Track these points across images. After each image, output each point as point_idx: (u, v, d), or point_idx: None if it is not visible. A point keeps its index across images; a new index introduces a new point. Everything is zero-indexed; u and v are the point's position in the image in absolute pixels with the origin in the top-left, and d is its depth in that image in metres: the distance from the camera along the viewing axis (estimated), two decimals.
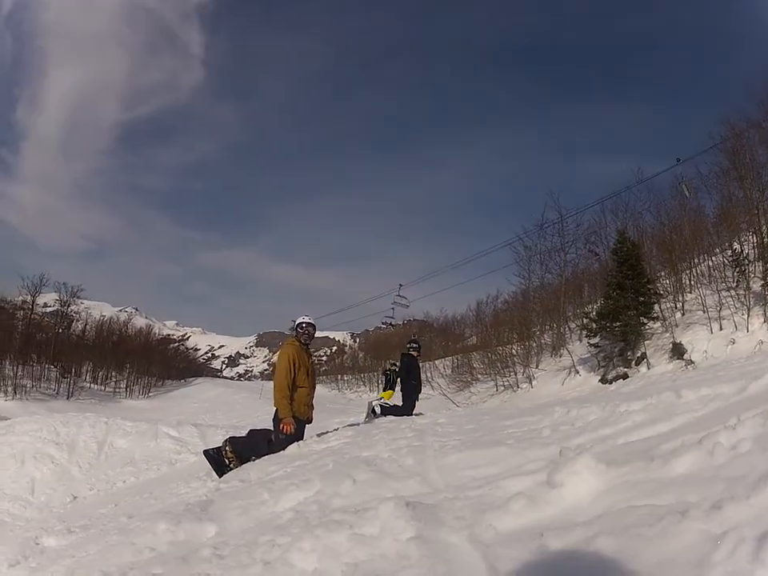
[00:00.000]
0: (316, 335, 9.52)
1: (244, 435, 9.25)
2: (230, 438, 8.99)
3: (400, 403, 14.11)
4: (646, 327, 22.43)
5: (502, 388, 29.29)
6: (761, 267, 21.68)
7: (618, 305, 22.06)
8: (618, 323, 22.31)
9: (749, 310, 20.40)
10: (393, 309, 27.97)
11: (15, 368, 46.92)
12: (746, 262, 22.00)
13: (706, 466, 3.01)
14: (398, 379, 20.65)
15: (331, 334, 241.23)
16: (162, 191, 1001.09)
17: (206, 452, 8.92)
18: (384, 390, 20.35)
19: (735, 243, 24.37)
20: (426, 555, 2.62)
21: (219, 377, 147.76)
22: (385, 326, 30.81)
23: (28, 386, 46.90)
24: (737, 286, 21.68)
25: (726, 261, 23.50)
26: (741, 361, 14.44)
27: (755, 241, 24.25)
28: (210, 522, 4.29)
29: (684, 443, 3.54)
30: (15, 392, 44.76)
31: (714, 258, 25.34)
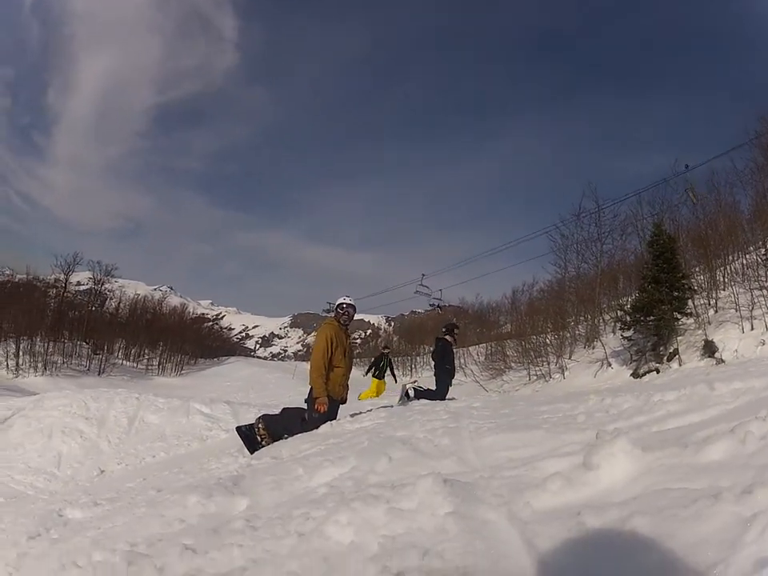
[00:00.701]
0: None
1: (277, 413, 9.30)
2: (262, 415, 9.05)
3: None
4: (680, 323, 22.29)
5: (535, 377, 29.21)
6: None
7: (653, 298, 21.89)
8: (651, 317, 22.17)
9: None
10: (440, 291, 28.26)
11: (46, 345, 47.25)
12: None
13: (738, 453, 3.05)
14: (386, 370, 20.62)
15: (366, 317, 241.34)
16: (196, 172, 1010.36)
17: (238, 428, 8.99)
18: (374, 376, 20.12)
19: None
20: (464, 530, 2.66)
21: (253, 356, 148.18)
22: (432, 308, 31.01)
23: (59, 362, 47.26)
24: None
25: (760, 259, 23.26)
26: None
27: None
28: (242, 495, 4.31)
29: (717, 432, 3.56)
30: (45, 368, 45.09)
31: (747, 256, 25.15)
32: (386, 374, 20.72)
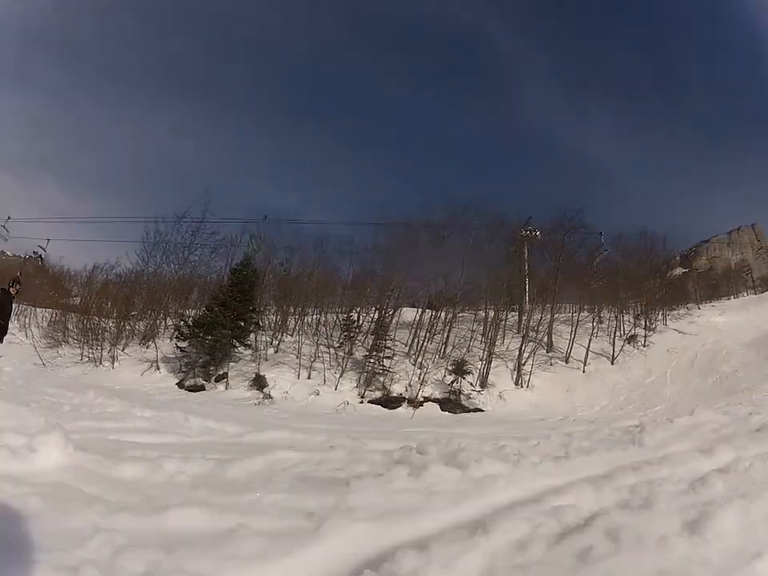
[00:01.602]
0: None
1: None
2: None
3: None
4: (237, 350, 24.08)
5: (87, 360, 28.83)
6: (371, 341, 24.39)
7: (216, 320, 23.39)
8: (210, 337, 23.55)
9: (343, 371, 22.81)
10: (47, 240, 27.06)
11: None
12: (358, 331, 24.85)
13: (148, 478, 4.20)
14: None
15: None
16: None
17: None
18: None
19: (355, 312, 27.22)
20: None
21: None
22: (35, 255, 29.36)
23: None
24: (339, 347, 24.28)
25: (340, 322, 26.09)
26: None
27: (376, 316, 27.24)
28: None
29: (144, 456, 4.81)
30: None
31: (327, 315, 27.96)
32: None
